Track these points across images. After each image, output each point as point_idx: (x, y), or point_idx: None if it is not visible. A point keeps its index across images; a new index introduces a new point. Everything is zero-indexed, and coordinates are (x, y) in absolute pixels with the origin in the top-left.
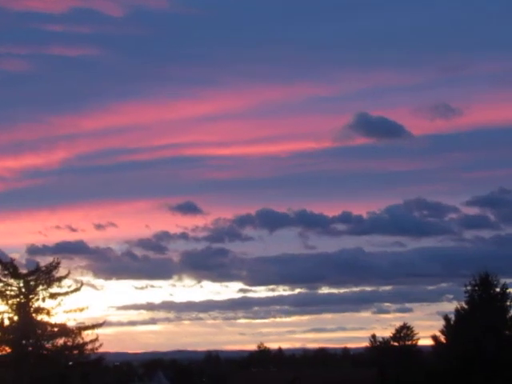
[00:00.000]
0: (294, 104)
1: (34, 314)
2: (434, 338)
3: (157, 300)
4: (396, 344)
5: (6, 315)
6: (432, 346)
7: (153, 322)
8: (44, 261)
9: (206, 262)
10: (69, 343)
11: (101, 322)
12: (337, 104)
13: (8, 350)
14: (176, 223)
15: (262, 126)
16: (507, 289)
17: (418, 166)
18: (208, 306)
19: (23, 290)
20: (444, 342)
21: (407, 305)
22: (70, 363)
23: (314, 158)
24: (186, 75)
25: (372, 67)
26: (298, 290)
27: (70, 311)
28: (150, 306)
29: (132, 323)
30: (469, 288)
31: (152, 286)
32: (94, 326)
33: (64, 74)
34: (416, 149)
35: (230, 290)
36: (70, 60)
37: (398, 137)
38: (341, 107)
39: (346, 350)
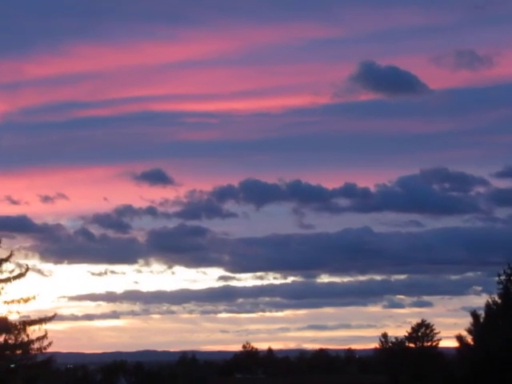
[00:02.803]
0: (289, 49)
1: None
2: (459, 338)
3: (119, 289)
4: (412, 345)
5: None
6: (456, 348)
7: (114, 315)
8: None
9: (179, 244)
10: (10, 341)
11: (50, 315)
12: (338, 50)
13: None
14: (141, 195)
15: (250, 75)
16: None
17: (437, 127)
18: (182, 297)
19: None
20: (471, 343)
21: (426, 298)
22: (12, 365)
23: (311, 117)
24: (156, 10)
25: (382, 4)
26: (291, 279)
27: (13, 302)
28: (110, 297)
29: (88, 317)
30: (503, 278)
31: (113, 272)
32: (41, 321)
33: (3, 8)
34: (435, 106)
35: (208, 278)
36: None
37: (412, 91)
38: (343, 54)
39: (350, 352)
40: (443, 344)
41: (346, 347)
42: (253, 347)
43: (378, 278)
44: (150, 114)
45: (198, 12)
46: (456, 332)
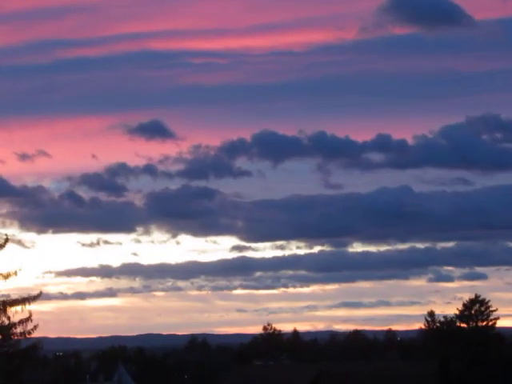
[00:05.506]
0: None
1: None
2: None
3: (115, 262)
4: (464, 325)
5: None
6: None
7: (110, 293)
8: None
9: (184, 208)
10: None
11: (35, 293)
12: None
13: None
14: (137, 152)
15: (266, 7)
16: None
17: (485, 66)
18: (189, 271)
19: None
20: None
21: (478, 269)
22: None
23: (335, 55)
24: None
25: None
26: (318, 248)
27: None
28: (105, 271)
29: (80, 295)
30: None
31: (107, 243)
32: (24, 300)
33: None
34: (482, 41)
35: (220, 248)
36: None
37: (455, 23)
38: None
39: (390, 334)
40: (501, 323)
41: (386, 328)
42: (275, 329)
43: (420, 246)
44: (147, 53)
45: None
46: None
